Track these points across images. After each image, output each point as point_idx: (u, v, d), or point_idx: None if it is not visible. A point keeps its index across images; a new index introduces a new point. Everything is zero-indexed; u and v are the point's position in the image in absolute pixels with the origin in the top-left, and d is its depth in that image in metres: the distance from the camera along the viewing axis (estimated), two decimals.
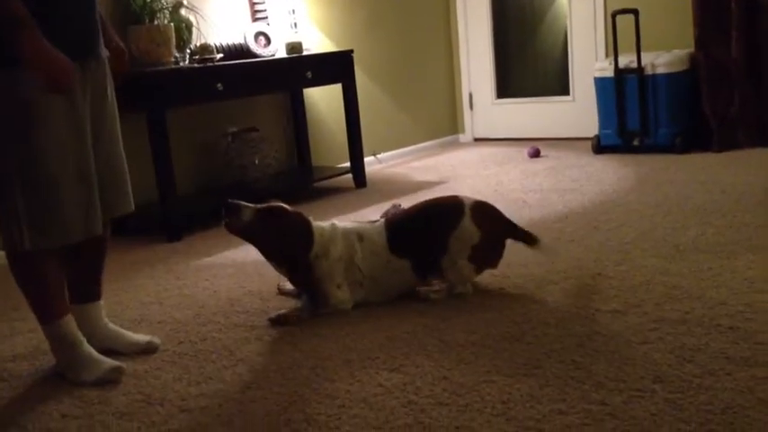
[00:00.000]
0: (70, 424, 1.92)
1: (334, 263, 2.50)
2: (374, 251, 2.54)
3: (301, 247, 2.47)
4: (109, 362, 2.18)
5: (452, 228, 2.51)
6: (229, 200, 2.44)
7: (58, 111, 2.01)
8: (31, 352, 2.43)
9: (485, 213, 2.57)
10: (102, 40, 2.19)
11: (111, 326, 2.38)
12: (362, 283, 2.53)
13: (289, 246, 2.47)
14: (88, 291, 2.34)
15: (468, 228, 2.51)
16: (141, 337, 2.37)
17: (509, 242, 2.79)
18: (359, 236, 2.55)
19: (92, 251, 2.31)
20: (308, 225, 2.51)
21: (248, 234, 2.47)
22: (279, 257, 2.50)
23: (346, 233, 2.55)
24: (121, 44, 2.34)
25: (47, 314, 2.16)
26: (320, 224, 2.56)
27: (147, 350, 2.33)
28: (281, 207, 2.50)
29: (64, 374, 2.18)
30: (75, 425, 1.92)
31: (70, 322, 2.18)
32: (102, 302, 2.38)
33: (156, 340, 2.37)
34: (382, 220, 2.64)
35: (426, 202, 2.71)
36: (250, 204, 2.46)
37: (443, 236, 2.51)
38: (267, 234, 2.45)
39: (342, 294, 2.51)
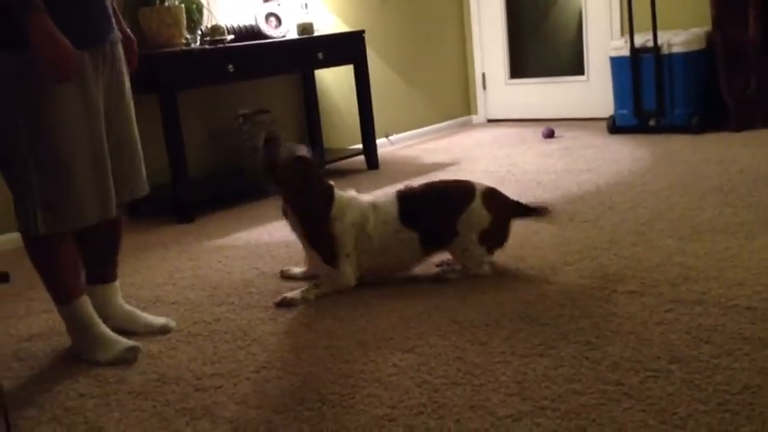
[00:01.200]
0: (87, 403, 1.93)
1: (347, 227, 2.50)
2: (386, 220, 2.53)
3: (324, 201, 2.49)
4: (124, 341, 2.19)
5: (461, 211, 2.52)
6: (272, 128, 2.48)
7: (70, 94, 2.01)
8: (47, 332, 2.44)
9: (494, 198, 2.60)
10: (115, 25, 2.19)
11: (127, 307, 2.39)
12: (371, 252, 2.53)
13: (314, 196, 2.47)
14: (104, 272, 2.34)
15: (478, 211, 2.53)
16: (156, 319, 2.37)
17: (524, 223, 2.78)
18: (373, 205, 2.56)
19: (107, 233, 2.31)
20: (330, 185, 2.56)
21: (278, 172, 2.46)
22: (302, 204, 2.49)
23: (361, 202, 2.57)
24: (131, 35, 2.33)
25: (62, 295, 2.17)
26: (339, 191, 2.58)
27: (162, 332, 2.32)
28: (312, 159, 2.52)
29: (79, 354, 2.20)
30: (91, 404, 1.93)
31: (85, 303, 2.19)
32: (117, 284, 2.38)
33: (171, 323, 2.37)
34: (395, 191, 2.63)
35: (440, 181, 2.74)
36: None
37: (452, 217, 2.53)
38: (297, 178, 2.45)
39: (348, 268, 2.51)
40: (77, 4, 2.03)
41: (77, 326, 2.19)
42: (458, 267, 2.59)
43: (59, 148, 2.01)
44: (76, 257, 2.20)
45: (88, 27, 2.06)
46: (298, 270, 2.74)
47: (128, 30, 2.33)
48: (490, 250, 2.57)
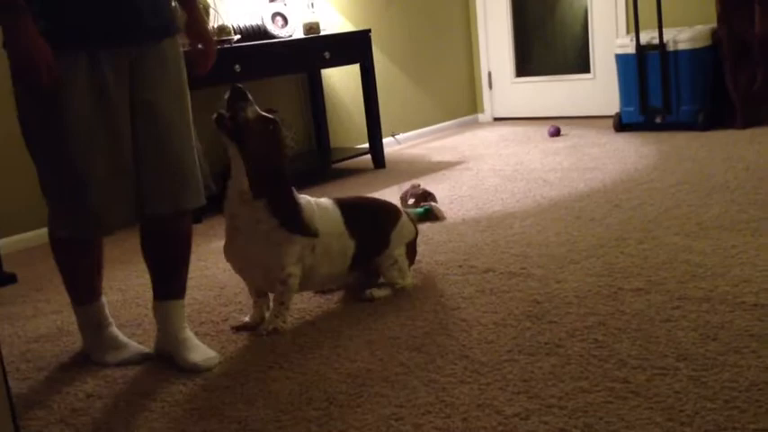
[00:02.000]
0: (95, 403, 1.94)
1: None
2: (330, 217, 2.37)
3: (285, 162, 2.29)
4: (134, 346, 2.18)
5: (394, 224, 2.51)
6: (238, 84, 2.23)
7: (78, 96, 1.87)
8: (55, 333, 2.45)
9: (409, 216, 2.64)
10: (169, 23, 2.02)
11: (184, 335, 2.14)
12: (315, 247, 2.30)
13: (277, 157, 2.25)
14: (158, 287, 2.17)
15: (407, 224, 2.55)
16: (200, 359, 2.09)
17: (529, 222, 2.77)
18: (316, 203, 2.38)
19: (162, 245, 2.15)
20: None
21: (245, 130, 2.19)
22: (267, 168, 2.23)
23: (305, 196, 2.37)
24: (208, 36, 2.17)
25: (77, 297, 2.17)
26: None
27: (198, 370, 2.07)
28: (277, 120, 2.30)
29: (89, 355, 2.20)
30: (99, 404, 1.94)
31: (100, 308, 2.17)
32: (177, 303, 2.15)
33: (213, 360, 2.10)
34: (331, 199, 2.47)
35: (368, 198, 2.79)
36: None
37: (387, 229, 2.49)
38: (267, 139, 2.22)
39: (295, 266, 2.27)
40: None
41: (88, 326, 2.18)
42: (381, 288, 2.49)
43: (68, 153, 1.90)
44: (98, 262, 2.16)
45: (109, 23, 1.89)
46: (247, 318, 2.39)
47: (205, 26, 2.18)
48: (410, 263, 2.58)
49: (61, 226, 2.01)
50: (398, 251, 2.50)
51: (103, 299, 2.19)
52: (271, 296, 2.35)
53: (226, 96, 2.19)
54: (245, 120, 2.19)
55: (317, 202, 2.39)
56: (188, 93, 2.08)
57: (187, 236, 2.18)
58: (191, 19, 2.15)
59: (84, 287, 2.14)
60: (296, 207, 2.28)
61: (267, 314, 2.33)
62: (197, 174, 2.09)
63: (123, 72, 1.93)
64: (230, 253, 2.32)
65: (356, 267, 2.46)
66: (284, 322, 2.27)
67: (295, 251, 2.26)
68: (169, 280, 2.16)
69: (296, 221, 2.26)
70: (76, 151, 1.90)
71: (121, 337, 2.20)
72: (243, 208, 2.23)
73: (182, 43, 2.10)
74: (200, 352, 2.11)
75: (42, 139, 1.92)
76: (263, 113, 2.24)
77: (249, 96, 2.21)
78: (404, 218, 2.56)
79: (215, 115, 2.20)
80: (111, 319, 2.20)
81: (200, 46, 2.17)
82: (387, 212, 2.56)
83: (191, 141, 2.08)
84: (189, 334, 2.16)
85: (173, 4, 2.10)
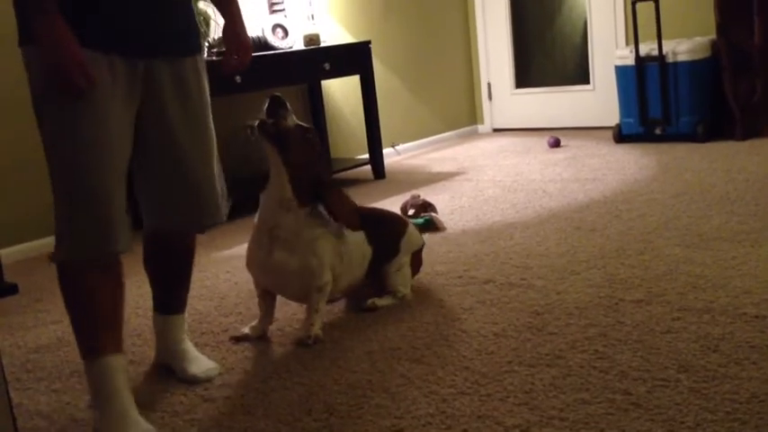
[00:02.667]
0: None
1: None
2: (358, 237, 2.40)
3: (326, 170, 2.44)
4: (143, 426, 1.78)
5: (403, 233, 2.55)
6: (277, 93, 2.23)
7: (104, 98, 1.74)
8: (55, 343, 2.45)
9: (417, 228, 2.71)
10: (193, 39, 1.94)
11: (184, 346, 2.12)
12: (343, 256, 2.32)
13: (318, 164, 2.30)
14: (162, 300, 2.12)
15: (414, 234, 2.60)
16: (199, 370, 2.06)
17: (529, 232, 2.77)
18: None
19: (170, 258, 2.09)
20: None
21: (285, 140, 2.19)
22: (307, 175, 2.23)
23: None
24: (246, 40, 2.09)
25: (87, 346, 1.81)
26: None
27: (198, 381, 2.05)
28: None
29: (94, 424, 1.87)
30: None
31: (116, 366, 1.80)
32: (180, 317, 2.13)
33: (214, 372, 2.09)
34: None
35: (376, 208, 2.83)
36: None
37: (397, 237, 2.53)
38: (307, 147, 2.23)
39: (330, 273, 2.28)
40: (122, 10, 1.77)
41: (100, 391, 1.80)
42: (383, 297, 2.49)
43: (72, 163, 1.74)
44: (116, 303, 1.84)
45: (129, 37, 1.79)
46: (247, 329, 2.35)
47: (245, 33, 2.09)
48: (414, 274, 2.61)
49: (85, 247, 1.75)
50: (405, 259, 2.53)
51: (124, 356, 1.86)
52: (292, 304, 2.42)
53: (265, 106, 2.19)
54: (286, 127, 2.20)
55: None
56: (209, 114, 1.98)
57: (192, 251, 2.13)
58: (230, 25, 2.07)
59: (101, 330, 1.79)
60: (354, 204, 2.35)
61: (301, 324, 2.33)
62: (216, 191, 1.99)
63: (136, 85, 1.81)
64: (264, 265, 2.25)
65: (369, 275, 2.48)
66: (320, 329, 2.27)
67: (330, 259, 2.27)
68: (172, 295, 2.12)
69: (355, 218, 2.32)
70: (107, 157, 1.76)
71: (133, 412, 1.81)
72: (286, 217, 2.21)
73: (216, 50, 2.15)
74: (200, 363, 2.09)
75: (69, 148, 1.74)
76: (301, 123, 2.27)
77: (288, 106, 2.23)
78: (411, 227, 2.61)
79: (256, 122, 2.20)
80: (125, 385, 1.82)
81: (235, 57, 2.09)
82: (396, 221, 2.63)
83: (210, 159, 1.97)
84: (189, 345, 2.14)
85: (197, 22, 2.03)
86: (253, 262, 2.29)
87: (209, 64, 2.06)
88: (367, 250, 2.42)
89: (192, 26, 1.97)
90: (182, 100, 1.89)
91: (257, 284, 2.35)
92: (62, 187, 1.76)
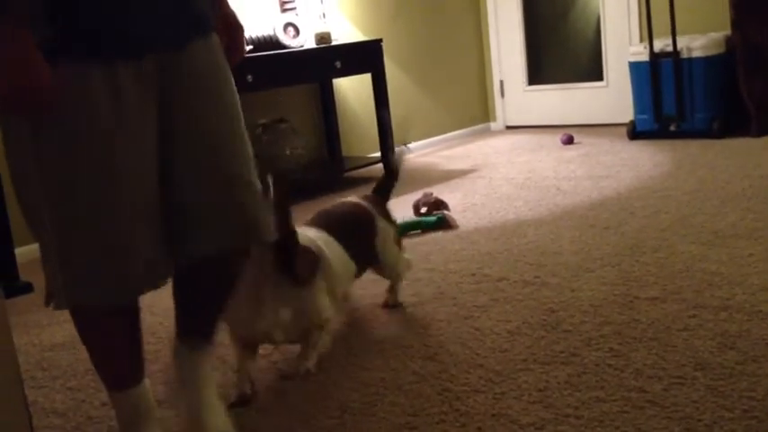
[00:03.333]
0: (110, 412, 1.93)
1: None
2: (333, 249, 2.19)
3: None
4: None
5: (374, 232, 2.35)
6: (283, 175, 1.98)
7: (93, 118, 1.42)
8: (70, 341, 2.46)
9: (382, 205, 2.47)
10: (203, 15, 1.58)
11: (207, 395, 1.72)
12: (333, 279, 2.15)
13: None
14: (187, 329, 1.73)
15: (384, 227, 2.39)
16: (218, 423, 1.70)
17: (542, 230, 2.75)
18: (317, 239, 2.17)
19: (204, 290, 1.71)
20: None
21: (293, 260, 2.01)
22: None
23: (305, 236, 2.13)
24: (237, 21, 1.76)
25: (109, 380, 1.67)
26: (308, 235, 2.16)
27: None
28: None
29: None
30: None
31: (140, 395, 1.65)
32: (206, 350, 1.73)
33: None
34: (317, 229, 2.24)
35: (342, 210, 2.39)
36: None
37: (371, 240, 2.34)
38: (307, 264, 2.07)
39: (330, 307, 2.13)
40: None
41: (128, 422, 1.66)
42: (393, 292, 2.47)
43: (73, 190, 1.44)
44: (135, 335, 1.65)
45: (136, 29, 1.46)
46: (234, 397, 1.96)
47: (232, 12, 1.76)
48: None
49: (65, 293, 1.48)
50: (391, 253, 2.41)
51: (146, 380, 1.68)
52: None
53: (270, 188, 1.88)
54: (296, 247, 2.02)
55: (316, 238, 2.17)
56: (237, 101, 1.65)
57: (236, 279, 1.74)
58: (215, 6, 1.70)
59: (124, 367, 1.64)
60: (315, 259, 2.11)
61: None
62: (258, 202, 1.64)
63: (149, 86, 1.48)
64: (252, 320, 1.99)
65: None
66: (314, 364, 2.07)
67: (324, 294, 2.10)
68: (204, 325, 1.74)
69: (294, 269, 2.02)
70: (80, 185, 1.44)
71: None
72: (268, 279, 1.97)
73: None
74: (219, 420, 1.70)
75: (51, 187, 1.44)
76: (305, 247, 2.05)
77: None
78: (378, 221, 2.37)
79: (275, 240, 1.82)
80: (155, 409, 1.69)
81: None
82: (365, 222, 2.35)
83: (248, 160, 1.63)
84: (214, 395, 1.72)
85: None
86: (236, 319, 1.98)
87: None
88: (351, 266, 2.25)
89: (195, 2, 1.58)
90: (206, 94, 1.57)
91: (239, 339, 2.04)
92: (58, 238, 1.46)
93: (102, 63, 1.41)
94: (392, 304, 2.48)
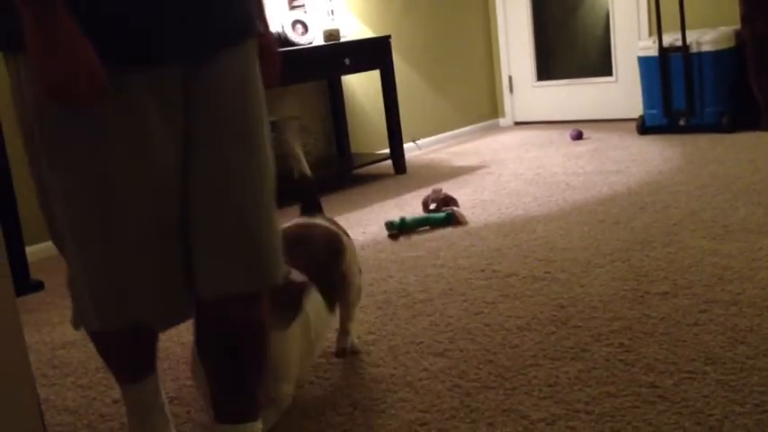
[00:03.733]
0: (121, 409, 1.95)
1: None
2: (316, 303, 1.87)
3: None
4: None
5: (342, 254, 2.00)
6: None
7: (110, 133, 1.31)
8: (81, 339, 2.47)
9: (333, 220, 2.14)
10: (241, 17, 1.43)
11: None
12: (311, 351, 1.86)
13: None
14: (220, 404, 1.57)
15: (349, 243, 2.06)
16: None
17: (552, 226, 2.75)
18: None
19: (222, 341, 1.53)
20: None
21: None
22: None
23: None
24: (271, 44, 1.61)
25: (125, 378, 1.62)
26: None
27: None
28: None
29: None
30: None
31: (153, 386, 1.62)
32: (246, 427, 1.56)
33: None
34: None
35: (301, 245, 1.93)
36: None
37: (338, 268, 1.98)
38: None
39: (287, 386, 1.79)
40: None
41: (137, 408, 1.62)
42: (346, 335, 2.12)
43: (79, 207, 1.35)
44: (150, 350, 1.60)
45: (163, 35, 1.31)
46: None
47: (269, 32, 1.61)
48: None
49: (79, 314, 1.47)
50: (355, 273, 2.07)
51: (158, 374, 1.64)
52: None
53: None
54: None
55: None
56: (265, 123, 1.48)
57: (261, 327, 1.56)
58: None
59: (137, 368, 1.59)
60: None
61: None
62: (276, 239, 1.48)
63: (169, 101, 1.35)
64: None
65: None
66: None
67: (293, 361, 1.78)
68: (235, 392, 1.56)
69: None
70: (86, 203, 1.35)
71: (169, 426, 1.66)
72: None
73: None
74: None
75: (54, 188, 1.36)
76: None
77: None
78: (343, 238, 2.04)
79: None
80: (164, 398, 1.66)
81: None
82: (330, 251, 1.98)
83: (268, 194, 1.46)
84: None
85: None
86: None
87: None
88: (328, 319, 1.93)
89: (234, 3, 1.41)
90: (233, 107, 1.41)
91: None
92: (75, 244, 1.38)
93: (113, 67, 1.27)
94: (351, 350, 2.10)
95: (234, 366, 1.54)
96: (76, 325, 1.51)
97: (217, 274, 1.42)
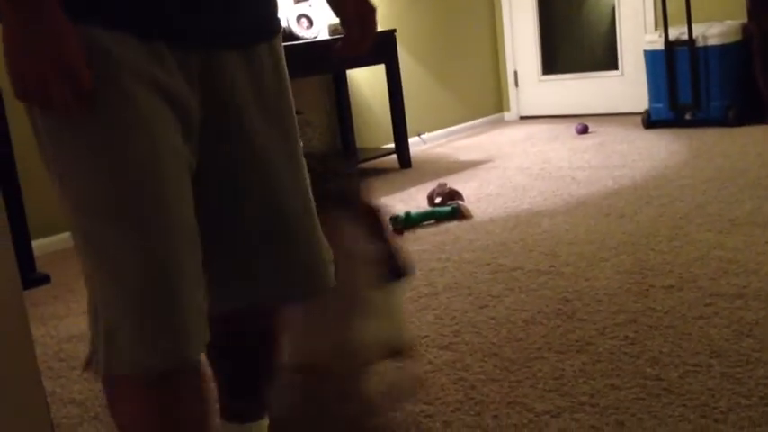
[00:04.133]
0: None
1: None
2: None
3: None
4: None
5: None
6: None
7: (145, 104, 1.07)
8: (87, 333, 2.48)
9: None
10: (271, 11, 1.31)
11: None
12: None
13: None
14: (238, 405, 1.48)
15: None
16: None
17: (556, 220, 2.73)
18: None
19: (249, 350, 1.45)
20: None
21: None
22: None
23: None
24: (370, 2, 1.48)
25: None
26: None
27: None
28: None
29: None
30: None
31: None
32: (261, 423, 1.50)
33: None
34: None
35: None
36: None
37: None
38: None
39: None
40: None
41: None
42: None
43: (99, 227, 1.09)
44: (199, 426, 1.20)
45: (184, 15, 1.12)
46: None
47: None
48: None
49: (104, 356, 1.12)
50: None
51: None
52: None
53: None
54: None
55: None
56: (296, 124, 1.34)
57: (283, 330, 1.49)
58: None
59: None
60: None
61: None
62: (321, 243, 1.33)
63: (194, 84, 1.15)
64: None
65: None
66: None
67: None
68: (249, 394, 1.48)
69: None
70: (169, 209, 1.09)
71: None
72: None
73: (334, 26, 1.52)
74: None
75: (70, 206, 1.10)
76: None
77: None
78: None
79: None
80: None
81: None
82: None
83: (307, 189, 1.32)
84: None
85: None
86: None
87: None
88: None
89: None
90: (262, 106, 1.25)
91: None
92: (104, 264, 1.10)
93: (140, 37, 1.07)
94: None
95: (252, 371, 1.46)
96: (110, 367, 1.13)
97: (263, 283, 1.26)
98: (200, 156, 1.17)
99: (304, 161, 1.33)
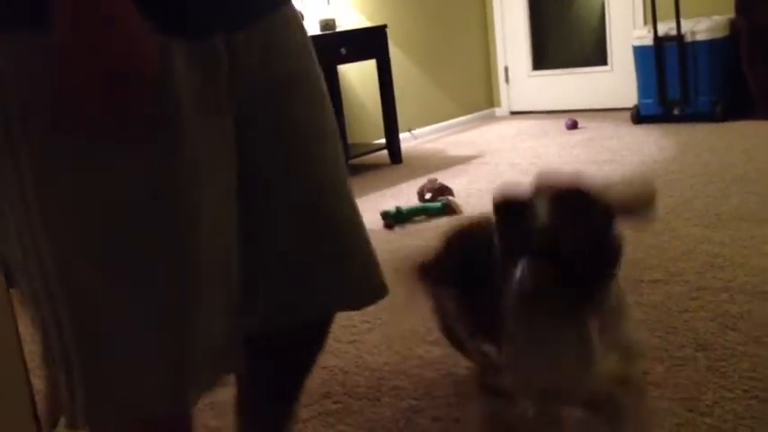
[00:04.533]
0: None
1: None
2: None
3: None
4: None
5: None
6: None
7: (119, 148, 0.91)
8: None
9: None
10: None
11: None
12: None
13: None
14: (267, 420, 1.37)
15: None
16: None
17: None
18: None
19: (295, 360, 1.32)
20: None
21: None
22: None
23: None
24: None
25: None
26: None
27: None
28: None
29: None
30: None
31: None
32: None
33: None
34: None
35: None
36: None
37: None
38: None
39: None
40: None
41: None
42: None
43: (92, 268, 0.93)
44: None
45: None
46: None
47: None
48: None
49: (81, 404, 0.96)
50: None
51: None
52: None
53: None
54: None
55: None
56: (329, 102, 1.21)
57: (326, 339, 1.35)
58: None
59: None
60: None
61: None
62: (370, 246, 1.23)
63: (221, 78, 0.99)
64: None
65: None
66: None
67: None
68: (293, 406, 1.38)
69: None
70: (103, 259, 0.93)
71: None
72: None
73: None
74: None
75: (30, 237, 0.92)
76: None
77: None
78: None
79: None
80: None
81: None
82: None
83: (348, 184, 1.21)
84: None
85: None
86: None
87: None
88: None
89: None
90: (301, 88, 1.16)
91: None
92: (93, 315, 0.95)
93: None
94: None
95: (299, 379, 1.35)
96: (93, 419, 0.97)
97: (320, 292, 1.15)
98: (241, 162, 1.04)
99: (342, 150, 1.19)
